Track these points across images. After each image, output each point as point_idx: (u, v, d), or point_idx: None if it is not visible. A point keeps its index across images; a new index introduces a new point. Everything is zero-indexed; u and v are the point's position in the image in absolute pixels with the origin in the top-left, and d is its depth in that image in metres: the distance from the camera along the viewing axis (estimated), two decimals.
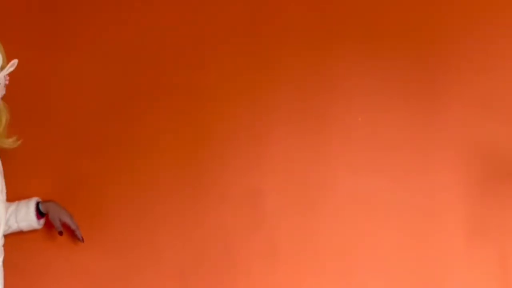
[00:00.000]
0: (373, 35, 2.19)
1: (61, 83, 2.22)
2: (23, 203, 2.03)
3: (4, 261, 1.89)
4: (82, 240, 2.07)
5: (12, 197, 2.01)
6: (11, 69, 1.78)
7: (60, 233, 2.04)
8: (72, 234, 2.08)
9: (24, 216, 2.01)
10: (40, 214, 2.05)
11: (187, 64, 2.23)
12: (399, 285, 2.13)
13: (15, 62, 1.78)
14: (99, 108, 2.21)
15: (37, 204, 2.05)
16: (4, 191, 1.79)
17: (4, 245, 1.90)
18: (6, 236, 1.95)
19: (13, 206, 2.01)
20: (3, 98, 1.83)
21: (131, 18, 2.24)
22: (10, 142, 1.85)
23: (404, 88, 2.18)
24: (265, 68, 2.21)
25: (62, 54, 2.21)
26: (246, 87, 2.21)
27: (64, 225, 2.05)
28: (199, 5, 2.25)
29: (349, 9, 2.21)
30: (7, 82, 1.79)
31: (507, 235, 2.12)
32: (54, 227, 2.05)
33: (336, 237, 2.16)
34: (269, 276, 2.16)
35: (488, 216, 2.13)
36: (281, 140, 2.19)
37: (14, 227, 2.00)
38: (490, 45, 2.17)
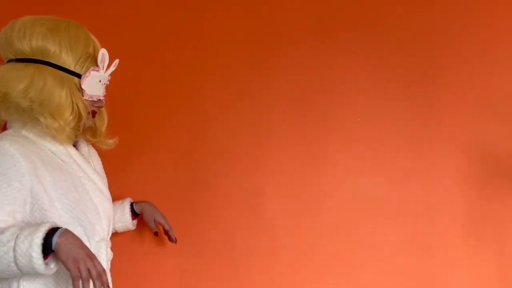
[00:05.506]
0: (373, 36, 2.20)
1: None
2: (117, 204, 2.02)
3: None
4: (175, 242, 2.05)
5: None
6: (113, 68, 1.73)
7: (156, 234, 2.03)
8: (165, 235, 2.07)
9: (120, 217, 2.00)
10: (134, 215, 2.03)
11: (187, 64, 2.21)
12: (399, 285, 2.15)
13: (117, 62, 1.73)
14: None
15: (131, 204, 2.04)
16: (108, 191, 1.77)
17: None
18: None
19: None
20: None
21: (130, 18, 2.23)
22: (110, 143, 1.81)
23: (404, 88, 2.19)
24: (266, 69, 2.21)
25: None
26: (247, 88, 2.21)
27: (157, 226, 2.04)
28: (199, 5, 2.23)
29: (349, 10, 2.21)
30: (108, 83, 1.75)
31: (506, 234, 2.14)
32: (149, 227, 2.04)
33: (337, 237, 2.17)
34: (270, 276, 2.17)
35: (487, 216, 2.15)
36: (282, 142, 2.20)
37: None
38: (489, 46, 2.18)
